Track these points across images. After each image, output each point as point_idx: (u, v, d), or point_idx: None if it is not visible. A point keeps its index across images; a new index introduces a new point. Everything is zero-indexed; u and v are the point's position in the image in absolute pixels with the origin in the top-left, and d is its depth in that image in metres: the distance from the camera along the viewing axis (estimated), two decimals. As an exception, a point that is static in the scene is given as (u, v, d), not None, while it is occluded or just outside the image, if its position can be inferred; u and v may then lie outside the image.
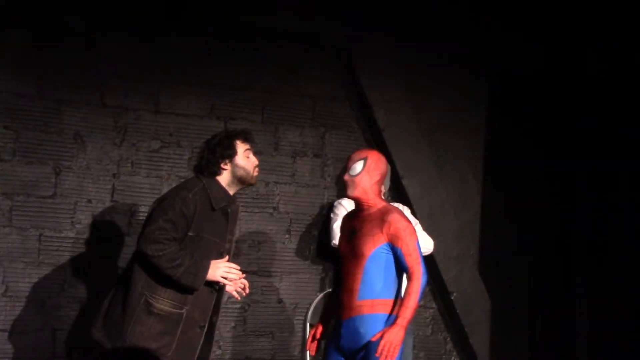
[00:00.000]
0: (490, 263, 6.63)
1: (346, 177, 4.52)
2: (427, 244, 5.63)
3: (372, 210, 4.52)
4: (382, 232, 4.41)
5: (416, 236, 4.46)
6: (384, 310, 4.43)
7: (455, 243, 6.52)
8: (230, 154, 4.65)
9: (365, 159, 4.52)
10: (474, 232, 6.62)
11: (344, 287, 4.52)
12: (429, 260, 5.97)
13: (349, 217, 4.69)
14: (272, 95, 6.18)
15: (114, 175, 5.77)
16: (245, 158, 4.69)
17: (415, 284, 4.35)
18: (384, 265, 4.43)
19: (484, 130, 6.70)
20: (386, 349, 4.28)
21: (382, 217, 4.45)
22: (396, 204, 5.67)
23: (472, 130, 6.68)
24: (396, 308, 4.39)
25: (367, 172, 4.50)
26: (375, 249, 4.43)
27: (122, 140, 5.80)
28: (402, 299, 4.38)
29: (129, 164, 5.81)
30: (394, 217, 4.43)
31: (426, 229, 5.87)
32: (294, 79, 6.23)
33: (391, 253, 4.43)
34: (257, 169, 4.73)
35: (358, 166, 4.51)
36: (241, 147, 4.69)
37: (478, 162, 6.67)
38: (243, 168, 4.67)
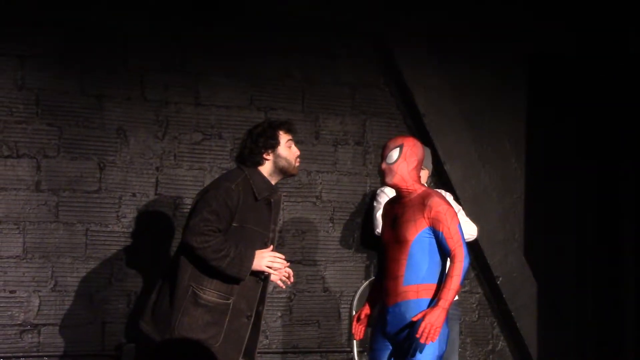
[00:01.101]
0: (535, 246, 6.61)
1: (383, 165, 4.57)
2: (470, 230, 5.61)
3: (413, 195, 4.55)
4: (423, 217, 4.45)
5: (457, 219, 4.48)
6: (429, 295, 4.46)
7: (499, 227, 6.51)
8: (273, 144, 4.68)
9: (401, 146, 4.56)
10: (518, 216, 6.61)
11: (389, 273, 4.55)
12: (473, 245, 6.05)
13: (390, 204, 4.73)
14: (311, 84, 6.20)
15: (157, 168, 5.81)
16: (287, 148, 4.72)
17: (458, 266, 4.38)
18: (428, 250, 4.46)
19: (525, 113, 6.68)
20: (427, 330, 4.30)
21: (422, 201, 4.49)
22: (439, 191, 5.68)
23: (513, 113, 6.67)
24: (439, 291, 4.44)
25: (404, 159, 4.54)
26: (418, 234, 4.47)
27: (164, 134, 5.84)
28: (444, 281, 4.41)
29: (172, 157, 5.84)
30: (434, 201, 4.47)
31: (469, 214, 5.85)
32: (333, 67, 6.24)
33: (434, 237, 4.46)
34: (298, 159, 4.77)
35: (394, 154, 4.55)
36: (284, 138, 4.72)
37: (520, 145, 6.66)
38: (285, 158, 4.70)
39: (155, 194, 5.80)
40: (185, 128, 5.89)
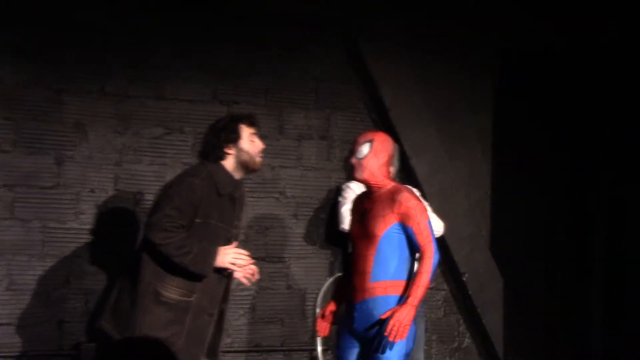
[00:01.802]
0: (501, 242, 6.64)
1: (353, 160, 4.56)
2: (436, 227, 5.53)
3: (382, 191, 4.55)
4: (392, 212, 4.45)
5: (427, 215, 4.47)
6: (397, 292, 4.45)
7: (466, 223, 6.52)
8: (235, 138, 4.66)
9: (371, 141, 4.56)
10: (485, 212, 6.63)
11: (356, 269, 4.54)
12: (439, 241, 5.77)
13: (359, 199, 4.72)
14: (276, 78, 6.18)
15: (116, 163, 5.79)
16: (250, 142, 4.70)
17: (427, 263, 4.38)
18: (397, 246, 4.46)
19: (493, 108, 6.71)
20: (395, 327, 4.31)
21: (392, 196, 4.49)
22: (408, 186, 5.70)
23: (481, 107, 6.68)
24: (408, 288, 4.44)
25: (374, 154, 4.54)
26: (386, 230, 4.46)
27: (125, 128, 5.80)
28: (414, 278, 4.40)
29: (132, 152, 5.82)
30: (404, 196, 4.47)
31: (436, 209, 5.86)
32: (297, 60, 6.23)
33: (403, 233, 4.46)
34: (261, 153, 4.73)
35: (365, 149, 4.55)
36: (246, 131, 4.70)
37: (487, 141, 6.69)
38: (247, 152, 4.67)
39: (115, 190, 5.78)
40: (146, 122, 5.85)
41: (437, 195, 6.35)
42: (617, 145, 6.42)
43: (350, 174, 4.62)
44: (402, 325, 4.33)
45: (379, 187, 4.57)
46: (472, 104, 6.64)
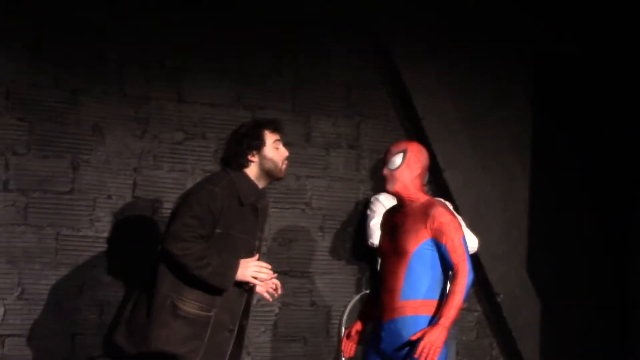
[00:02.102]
0: (539, 262, 6.60)
1: (385, 171, 4.56)
2: (470, 243, 5.47)
3: (415, 204, 4.55)
4: (425, 228, 4.44)
5: (462, 231, 4.47)
6: (428, 312, 4.44)
7: (502, 240, 6.52)
8: (258, 145, 4.65)
9: (404, 151, 4.56)
10: (522, 229, 6.61)
11: (385, 287, 4.53)
12: (473, 259, 5.90)
13: (390, 213, 4.72)
14: (303, 83, 6.20)
15: (135, 169, 5.79)
16: (274, 149, 4.69)
17: (461, 282, 4.36)
18: (429, 264, 4.45)
19: (531, 118, 6.68)
20: (426, 349, 4.28)
21: (425, 211, 4.48)
22: (442, 200, 5.67)
23: (518, 117, 6.67)
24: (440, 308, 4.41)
25: (407, 165, 4.53)
26: (419, 246, 4.45)
27: (144, 132, 5.81)
28: (446, 298, 4.38)
29: (151, 157, 5.83)
30: (437, 211, 4.45)
31: (470, 225, 5.86)
32: (326, 65, 6.25)
33: (436, 250, 4.45)
34: (286, 161, 4.73)
35: (397, 159, 4.54)
36: (270, 138, 4.68)
37: (525, 152, 6.66)
38: (271, 160, 4.67)
39: (133, 197, 5.77)
40: (166, 126, 5.86)
41: (471, 210, 6.34)
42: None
43: (382, 186, 4.62)
44: (433, 347, 4.30)
45: (412, 201, 4.56)
46: (508, 114, 6.64)
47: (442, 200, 5.55)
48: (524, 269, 6.58)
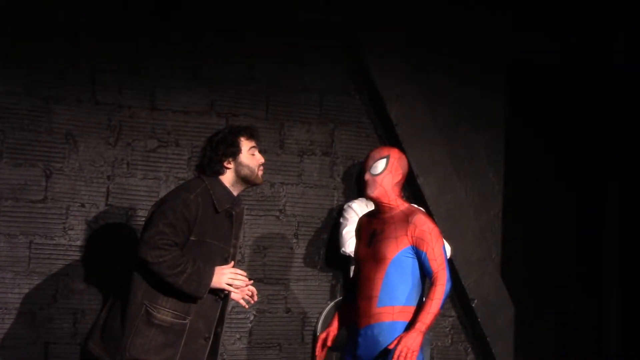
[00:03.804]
0: (513, 267, 6.61)
1: (367, 176, 4.56)
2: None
3: (395, 212, 4.56)
4: (406, 235, 4.45)
5: (442, 240, 4.49)
6: (405, 319, 4.46)
7: (476, 246, 6.51)
8: (234, 152, 4.64)
9: (387, 157, 4.57)
10: (496, 234, 6.62)
11: (362, 293, 4.54)
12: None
13: (366, 219, 4.72)
14: (277, 89, 6.19)
15: (108, 177, 5.79)
16: (250, 156, 4.68)
17: (439, 290, 4.38)
18: (408, 271, 4.48)
19: (504, 125, 6.70)
20: (403, 354, 4.30)
21: (406, 218, 4.49)
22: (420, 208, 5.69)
23: (492, 124, 6.68)
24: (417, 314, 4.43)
25: (389, 171, 4.56)
26: (398, 253, 4.47)
27: (117, 140, 5.81)
28: (423, 304, 4.40)
29: (125, 165, 5.82)
30: (419, 219, 4.48)
31: (444, 231, 5.49)
32: (300, 72, 6.24)
33: (415, 257, 4.47)
34: (262, 167, 4.73)
35: (380, 165, 4.56)
36: (246, 144, 4.68)
37: (499, 159, 6.67)
38: (247, 166, 4.65)
39: (106, 205, 5.77)
40: (139, 134, 5.86)
41: (445, 216, 6.34)
42: (633, 164, 6.45)
43: (362, 191, 4.62)
44: (409, 351, 4.32)
45: (391, 208, 4.57)
46: (483, 120, 6.65)
47: (421, 208, 5.60)
48: (499, 274, 6.58)
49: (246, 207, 5.53)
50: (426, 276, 4.49)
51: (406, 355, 4.31)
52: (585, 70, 6.66)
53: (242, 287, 4.62)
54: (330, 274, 6.26)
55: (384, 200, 4.57)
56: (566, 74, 6.70)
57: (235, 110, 6.07)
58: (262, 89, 6.15)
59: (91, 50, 5.73)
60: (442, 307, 4.45)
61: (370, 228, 4.63)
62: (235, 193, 4.71)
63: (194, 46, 5.96)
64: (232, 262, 4.66)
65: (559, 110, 6.74)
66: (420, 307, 4.42)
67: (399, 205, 4.58)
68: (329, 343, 4.73)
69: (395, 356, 4.32)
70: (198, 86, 5.98)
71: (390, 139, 6.37)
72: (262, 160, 4.74)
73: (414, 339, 4.33)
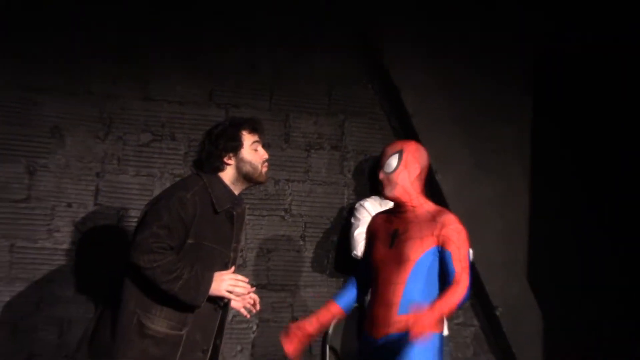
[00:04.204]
0: (541, 271, 6.63)
1: (381, 175, 4.58)
2: None
3: (418, 210, 4.59)
4: (432, 234, 4.48)
5: (468, 245, 4.51)
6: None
7: (500, 248, 6.53)
8: (235, 146, 4.66)
9: (400, 152, 4.59)
10: (522, 235, 6.64)
11: (380, 299, 4.54)
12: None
13: (385, 218, 4.72)
14: (281, 78, 6.22)
15: (97, 174, 5.81)
16: (252, 151, 4.69)
17: (458, 292, 4.37)
18: (433, 275, 4.50)
19: (532, 115, 6.71)
20: (417, 325, 4.20)
21: (433, 217, 4.52)
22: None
23: (517, 114, 6.70)
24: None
25: (404, 166, 4.56)
26: (423, 254, 4.48)
27: (107, 133, 5.83)
28: (443, 294, 4.37)
29: (115, 161, 5.84)
30: (448, 218, 4.50)
31: None
32: (307, 59, 6.27)
33: (438, 259, 4.49)
34: (266, 164, 4.74)
35: (393, 161, 4.58)
36: (248, 139, 4.70)
37: (525, 152, 6.69)
38: (250, 163, 4.67)
39: (95, 204, 5.78)
40: (131, 127, 5.88)
41: (465, 215, 5.83)
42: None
43: (375, 188, 4.63)
44: (422, 324, 4.23)
45: (414, 206, 4.59)
46: (507, 110, 6.68)
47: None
48: (525, 279, 6.61)
49: (248, 206, 5.65)
50: (446, 278, 4.49)
51: (420, 326, 4.20)
52: (616, 57, 6.64)
53: (244, 294, 4.62)
54: (341, 279, 6.26)
55: (405, 199, 4.59)
56: (596, 62, 6.69)
57: (236, 100, 6.09)
58: (266, 77, 6.18)
59: (79, 36, 5.74)
60: (460, 306, 4.44)
61: (390, 228, 4.63)
62: (236, 192, 4.72)
63: (191, 31, 5.99)
64: (233, 267, 4.67)
65: (589, 100, 6.74)
66: (437, 298, 4.42)
67: (423, 203, 4.61)
68: (302, 338, 4.69)
69: (407, 319, 4.26)
70: (196, 74, 6.01)
71: (406, 131, 6.40)
72: (265, 155, 4.75)
73: (426, 318, 4.25)
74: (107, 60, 5.80)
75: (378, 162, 4.66)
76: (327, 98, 6.34)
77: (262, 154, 4.74)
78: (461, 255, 4.45)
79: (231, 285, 4.57)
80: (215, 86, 6.05)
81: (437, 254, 4.48)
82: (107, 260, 5.54)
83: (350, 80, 6.39)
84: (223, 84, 6.07)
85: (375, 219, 4.80)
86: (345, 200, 6.33)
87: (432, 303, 4.36)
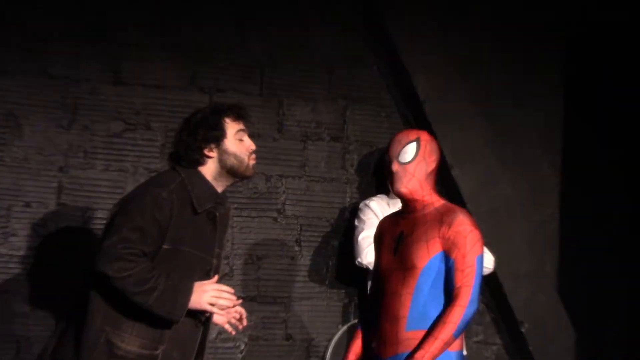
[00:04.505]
0: (573, 282, 6.62)
1: (395, 166, 4.54)
2: (485, 261, 5.46)
3: (428, 209, 4.56)
4: (438, 237, 4.44)
5: (480, 249, 4.43)
6: None
7: (525, 255, 6.53)
8: (217, 137, 4.61)
9: (417, 140, 4.56)
10: (551, 240, 6.64)
11: (386, 313, 4.50)
12: (490, 279, 6.22)
13: (391, 220, 4.69)
14: (274, 58, 6.21)
15: (60, 168, 5.78)
16: (237, 142, 4.64)
17: (457, 312, 4.32)
18: (442, 282, 4.44)
19: (563, 104, 6.70)
20: None
21: (440, 217, 4.48)
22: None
23: (546, 101, 6.67)
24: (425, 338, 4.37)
25: (422, 157, 4.56)
26: (429, 260, 4.44)
27: (72, 122, 5.80)
28: (433, 327, 4.35)
29: (81, 154, 5.82)
30: (456, 218, 4.45)
31: (485, 236, 5.48)
32: (303, 36, 6.27)
33: (445, 266, 4.46)
34: (253, 156, 4.68)
35: (410, 150, 4.55)
36: (232, 127, 4.64)
37: (555, 145, 6.68)
38: (234, 155, 4.62)
39: (58, 204, 5.76)
40: (100, 115, 5.86)
41: (486, 217, 6.29)
42: None
43: (382, 184, 4.58)
44: None
45: (425, 205, 4.56)
46: (535, 96, 6.65)
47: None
48: (555, 291, 6.61)
49: (235, 206, 5.73)
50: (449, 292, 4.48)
51: None
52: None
53: (229, 307, 4.58)
54: (342, 290, 6.26)
55: (417, 195, 4.56)
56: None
57: (222, 84, 6.08)
58: (256, 58, 6.18)
59: (38, 10, 5.73)
60: (458, 334, 4.39)
61: (395, 230, 4.61)
62: (219, 189, 4.67)
63: (170, 4, 6.00)
64: (216, 277, 4.62)
65: (630, 89, 6.68)
66: (428, 330, 4.38)
67: (434, 201, 4.56)
68: None
69: None
70: (175, 55, 6.01)
71: (417, 120, 6.39)
72: (252, 146, 4.69)
73: None
74: (72, 36, 5.80)
75: (385, 155, 4.63)
76: (326, 81, 6.34)
77: (249, 144, 4.68)
78: (466, 263, 4.39)
79: (214, 297, 4.50)
80: (198, 67, 6.05)
81: (444, 259, 4.44)
82: (71, 269, 5.49)
83: (354, 60, 6.38)
84: (207, 65, 6.07)
85: (383, 222, 4.77)
86: (348, 199, 6.34)
87: (424, 338, 4.36)
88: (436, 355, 4.34)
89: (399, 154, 4.54)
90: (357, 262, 5.76)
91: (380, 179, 6.05)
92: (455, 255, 4.39)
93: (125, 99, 5.89)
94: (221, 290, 4.50)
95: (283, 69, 6.22)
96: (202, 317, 4.56)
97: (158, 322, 4.43)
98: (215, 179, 4.63)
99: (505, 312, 6.47)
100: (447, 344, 4.35)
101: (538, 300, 6.48)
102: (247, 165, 4.66)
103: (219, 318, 4.63)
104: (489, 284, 6.17)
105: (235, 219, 5.92)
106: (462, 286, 4.37)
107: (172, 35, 5.99)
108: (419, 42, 6.37)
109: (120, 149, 5.87)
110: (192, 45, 6.02)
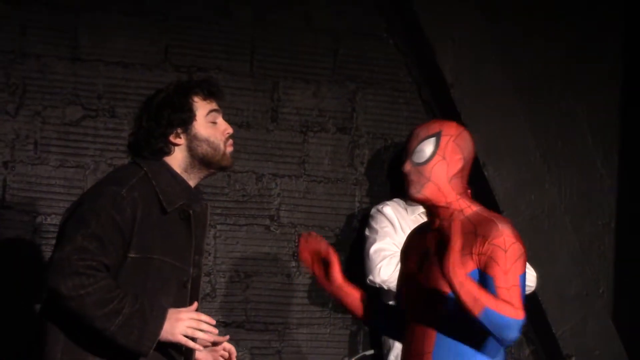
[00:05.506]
0: (631, 307, 6.65)
1: (408, 166, 4.46)
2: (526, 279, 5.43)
3: (457, 219, 4.44)
4: (471, 253, 4.35)
5: (523, 267, 4.35)
6: None
7: (574, 274, 6.54)
8: (185, 119, 4.55)
9: (437, 135, 4.48)
10: (606, 255, 6.66)
11: (410, 348, 4.49)
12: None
13: (418, 235, 4.64)
14: (267, 31, 6.22)
15: (5, 163, 5.79)
16: (209, 124, 4.60)
17: (504, 305, 4.21)
18: None
19: (621, 89, 6.72)
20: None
21: (474, 228, 4.38)
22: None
23: (599, 88, 6.71)
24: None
25: (441, 156, 4.45)
26: None
27: (19, 107, 5.82)
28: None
29: (31, 146, 5.83)
30: (494, 229, 4.35)
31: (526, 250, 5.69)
32: (302, 6, 6.30)
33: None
34: (230, 141, 4.64)
35: (427, 148, 4.46)
36: (202, 107, 4.60)
37: (611, 141, 6.72)
38: (207, 140, 4.58)
39: (2, 206, 5.78)
40: (54, 98, 5.87)
41: (526, 227, 6.28)
42: None
43: (405, 189, 4.52)
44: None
45: (451, 214, 4.46)
46: (586, 80, 6.68)
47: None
48: (609, 317, 6.63)
49: (219, 212, 5.79)
50: None
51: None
52: None
53: (208, 342, 4.53)
54: (349, 316, 6.13)
55: (439, 202, 4.45)
56: None
57: (202, 62, 6.10)
58: (245, 29, 6.19)
59: None
60: (481, 317, 4.22)
61: (420, 247, 4.53)
62: (191, 182, 4.63)
63: None
64: (195, 304, 4.55)
65: None
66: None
67: (464, 208, 4.45)
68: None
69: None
70: (145, 25, 6.03)
71: (442, 108, 6.41)
72: (229, 129, 4.65)
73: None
74: (19, 5, 5.81)
75: (404, 150, 4.53)
76: (331, 59, 6.35)
77: (224, 127, 4.64)
78: (508, 281, 4.28)
79: (190, 328, 4.43)
80: (173, 41, 6.07)
81: (479, 279, 4.35)
82: (19, 287, 5.60)
83: (364, 33, 6.39)
84: (183, 39, 6.10)
85: (410, 235, 4.71)
86: (357, 204, 6.37)
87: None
88: (457, 289, 4.21)
89: (413, 153, 4.47)
90: (368, 281, 5.73)
91: (397, 179, 5.87)
92: (494, 272, 4.29)
93: (84, 79, 5.89)
94: (200, 321, 4.43)
95: (278, 44, 6.23)
96: (180, 357, 4.50)
97: (124, 353, 4.36)
98: (185, 170, 4.58)
99: (548, 342, 6.49)
100: (471, 303, 4.20)
101: (589, 329, 6.51)
102: (224, 153, 4.60)
103: (202, 355, 4.59)
104: (529, 309, 5.88)
105: (219, 228, 5.94)
106: (511, 302, 4.30)
107: (140, 3, 6.01)
108: (447, 10, 6.40)
109: (78, 141, 5.87)
110: (165, 13, 6.04)
